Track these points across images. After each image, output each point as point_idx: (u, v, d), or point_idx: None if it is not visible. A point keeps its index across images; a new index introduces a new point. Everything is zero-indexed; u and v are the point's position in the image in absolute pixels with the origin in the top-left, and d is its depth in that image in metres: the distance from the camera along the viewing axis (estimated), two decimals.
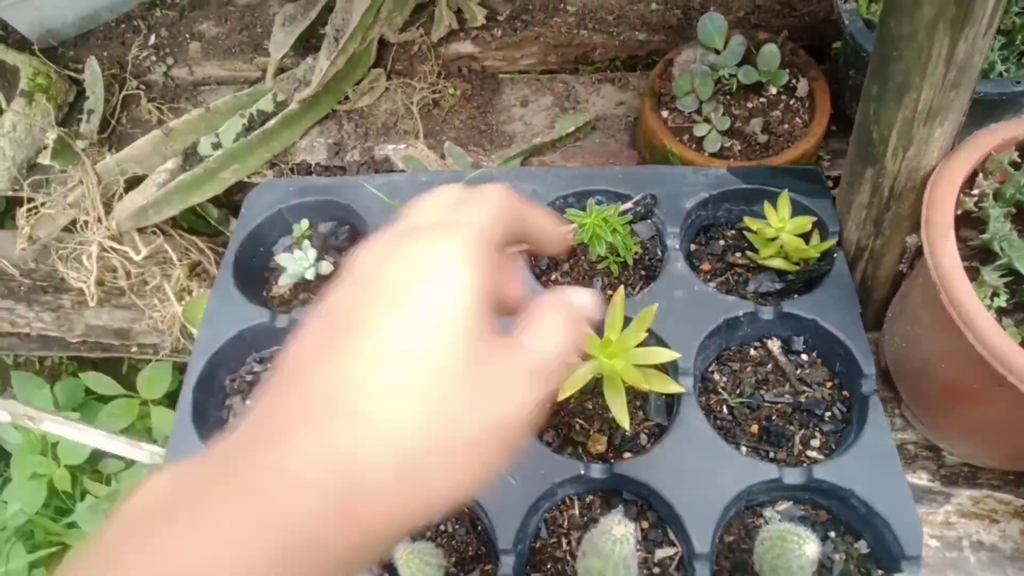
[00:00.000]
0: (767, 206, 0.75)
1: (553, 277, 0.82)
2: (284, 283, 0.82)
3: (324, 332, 0.35)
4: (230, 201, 1.30)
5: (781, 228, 0.74)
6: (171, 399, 1.43)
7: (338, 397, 0.32)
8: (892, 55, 0.61)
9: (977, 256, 0.67)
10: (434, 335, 0.33)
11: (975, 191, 0.67)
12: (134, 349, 1.26)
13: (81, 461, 1.31)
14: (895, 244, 0.74)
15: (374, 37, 1.17)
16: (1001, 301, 0.63)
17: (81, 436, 1.12)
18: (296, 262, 0.80)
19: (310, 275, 0.81)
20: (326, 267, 0.83)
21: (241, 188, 1.23)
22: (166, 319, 1.19)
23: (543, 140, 1.14)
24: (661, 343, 0.71)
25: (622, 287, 0.65)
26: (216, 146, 1.15)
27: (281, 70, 1.20)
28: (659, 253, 0.81)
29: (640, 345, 0.65)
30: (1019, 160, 0.67)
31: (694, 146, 1.01)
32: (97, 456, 1.31)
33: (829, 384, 0.72)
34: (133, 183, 1.16)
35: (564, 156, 1.15)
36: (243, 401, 0.76)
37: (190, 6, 1.33)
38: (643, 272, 0.80)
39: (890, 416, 0.78)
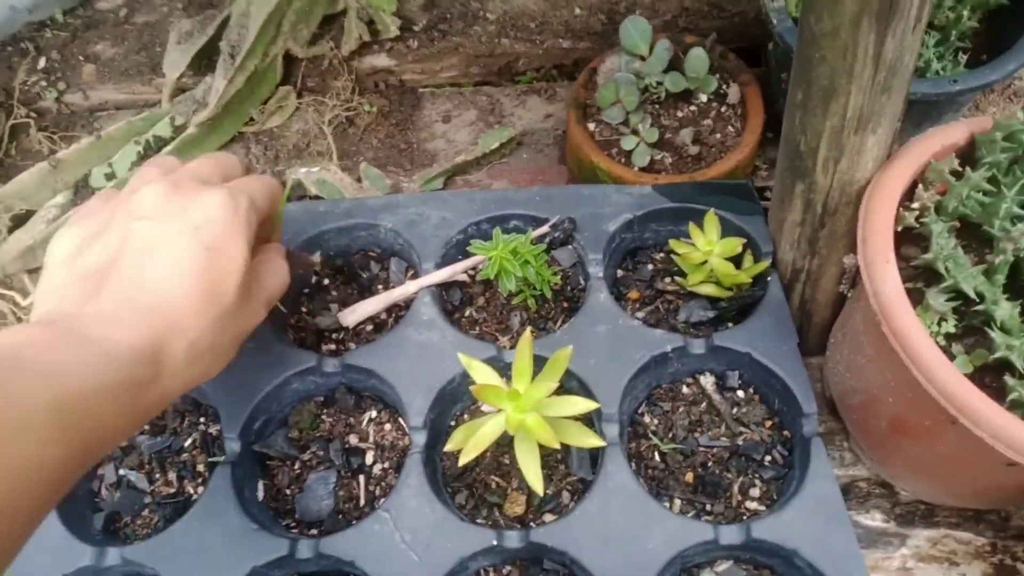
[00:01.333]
0: (692, 228, 0.68)
1: (467, 313, 0.74)
2: None
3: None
4: None
5: (709, 252, 0.67)
6: None
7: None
8: (815, 56, 0.55)
9: (921, 276, 0.61)
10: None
11: (915, 204, 0.61)
12: None
13: None
14: (833, 264, 0.68)
15: (278, 52, 1.08)
16: (949, 327, 0.57)
17: None
18: None
19: None
20: None
21: None
22: None
23: (466, 158, 1.06)
24: (583, 385, 0.63)
25: (528, 330, 0.57)
26: (110, 176, 1.05)
27: (181, 91, 1.11)
28: (581, 282, 0.73)
29: (558, 391, 0.57)
30: (960, 168, 0.61)
31: (623, 160, 0.94)
32: None
33: (768, 423, 0.65)
34: (20, 221, 1.06)
35: (490, 174, 1.08)
36: (116, 470, 0.67)
37: (83, 26, 1.22)
38: (565, 304, 0.73)
39: (839, 450, 0.72)
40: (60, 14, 1.23)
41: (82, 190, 1.06)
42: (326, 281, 0.78)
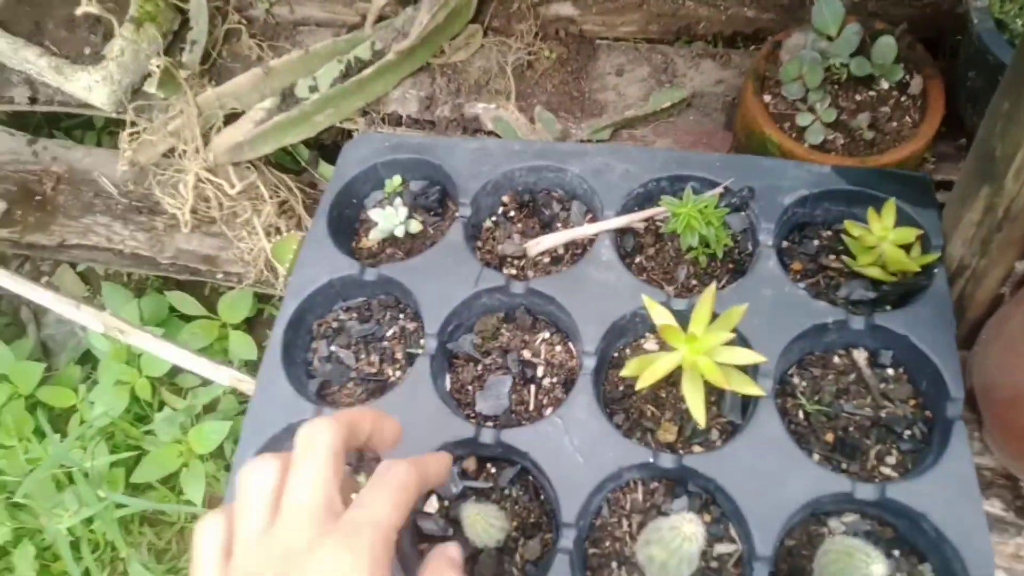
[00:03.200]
0: (871, 212, 0.73)
1: (637, 260, 0.81)
2: (374, 237, 0.84)
3: None
4: (321, 143, 1.32)
5: (883, 237, 0.71)
6: (249, 324, 1.49)
7: None
8: None
9: None
10: None
11: None
12: (219, 276, 1.31)
13: (162, 374, 1.39)
14: (1001, 266, 0.72)
15: None
16: None
17: (166, 353, 1.18)
18: (387, 218, 0.82)
19: (399, 232, 0.83)
20: (415, 226, 0.84)
21: (332, 131, 1.25)
22: (253, 252, 1.23)
23: (636, 113, 1.12)
24: (744, 341, 0.70)
25: (714, 283, 0.65)
26: (313, 89, 1.17)
27: (381, 18, 1.20)
28: (750, 248, 0.79)
29: (725, 343, 0.65)
30: None
31: (794, 135, 0.98)
32: (176, 370, 1.38)
33: (913, 402, 0.71)
34: (231, 118, 1.19)
35: (655, 131, 1.13)
36: (328, 345, 0.79)
37: None
38: (731, 266, 0.79)
39: (970, 439, 0.76)
40: None
41: (288, 97, 1.19)
42: (511, 213, 0.87)
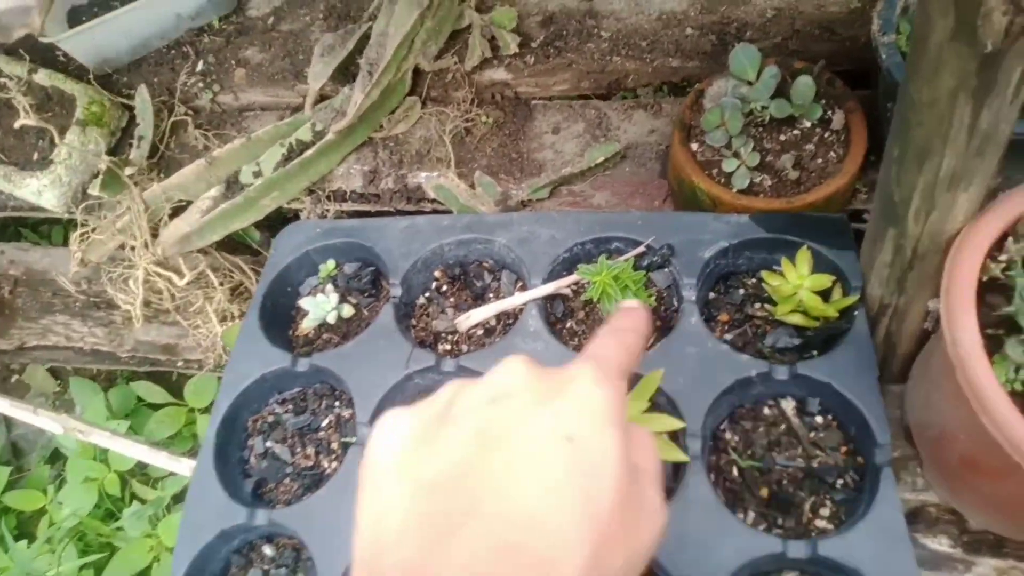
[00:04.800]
0: (785, 262, 0.73)
1: (568, 325, 0.82)
2: (308, 325, 0.84)
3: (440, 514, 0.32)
4: (270, 224, 1.34)
5: (799, 285, 0.72)
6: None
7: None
8: (913, 120, 0.59)
9: (1004, 324, 0.64)
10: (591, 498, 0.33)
11: (1002, 257, 0.64)
12: (180, 364, 1.31)
13: (131, 466, 1.38)
14: (919, 303, 0.72)
15: (408, 67, 1.18)
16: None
17: (126, 450, 1.18)
18: (318, 306, 0.83)
19: (331, 319, 0.83)
20: (347, 310, 0.85)
21: (280, 213, 1.27)
22: (209, 338, 1.24)
23: (572, 170, 1.14)
24: (671, 401, 0.70)
25: (661, 372, 0.65)
26: (257, 174, 1.19)
27: (322, 98, 1.23)
28: (675, 304, 0.80)
29: (649, 407, 0.65)
30: None
31: (722, 181, 0.99)
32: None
33: (844, 449, 0.70)
34: (178, 210, 1.21)
35: (593, 185, 1.15)
36: (263, 441, 0.79)
37: (236, 32, 1.37)
38: (659, 323, 0.80)
39: (912, 475, 0.76)
40: (216, 20, 1.38)
41: (233, 185, 1.21)
42: (444, 287, 0.87)
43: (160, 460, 1.14)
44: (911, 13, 0.99)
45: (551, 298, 0.82)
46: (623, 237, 0.82)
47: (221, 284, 1.21)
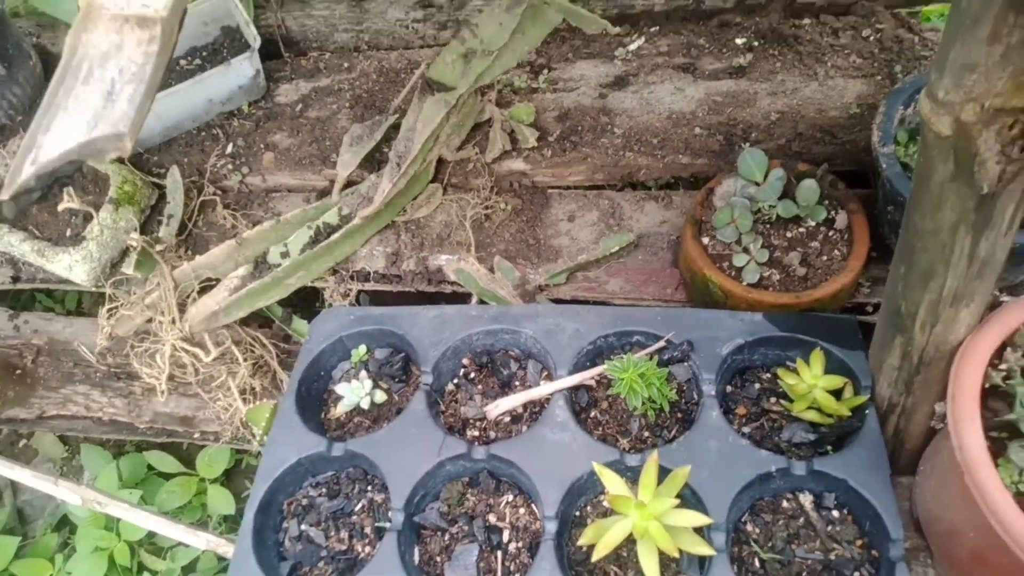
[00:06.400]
0: (800, 363, 0.78)
1: (592, 414, 0.86)
2: (341, 409, 0.88)
3: None
4: (292, 300, 1.38)
5: (814, 385, 0.77)
6: (227, 477, 1.50)
7: None
8: (917, 246, 0.65)
9: (1007, 428, 0.69)
10: None
11: (1003, 366, 0.69)
12: (196, 435, 1.33)
13: (141, 536, 1.38)
14: (926, 404, 0.77)
15: (433, 158, 1.25)
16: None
17: (143, 522, 1.19)
18: (352, 392, 0.86)
19: (365, 404, 0.87)
20: (380, 396, 0.88)
21: (303, 290, 1.32)
22: (229, 412, 1.27)
23: (588, 258, 1.19)
24: (695, 494, 0.74)
25: (656, 453, 0.69)
26: (284, 255, 1.24)
27: (348, 184, 1.29)
28: (695, 397, 0.84)
29: (677, 502, 0.68)
30: None
31: (733, 274, 1.05)
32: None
33: (859, 543, 0.74)
34: (206, 286, 1.26)
35: (608, 272, 1.20)
36: (298, 524, 0.82)
37: (265, 117, 1.44)
38: (679, 415, 0.84)
39: (923, 566, 0.79)
40: (246, 105, 1.45)
41: (261, 264, 1.26)
42: (472, 375, 0.92)
43: (178, 533, 1.15)
44: (907, 124, 1.08)
45: (576, 388, 0.86)
46: (643, 331, 0.87)
47: (244, 360, 1.24)
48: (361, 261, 1.27)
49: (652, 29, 1.39)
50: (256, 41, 1.34)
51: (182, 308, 1.23)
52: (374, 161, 1.31)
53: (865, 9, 1.31)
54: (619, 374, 0.76)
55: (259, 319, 1.35)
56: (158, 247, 1.25)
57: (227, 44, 1.41)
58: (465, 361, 0.91)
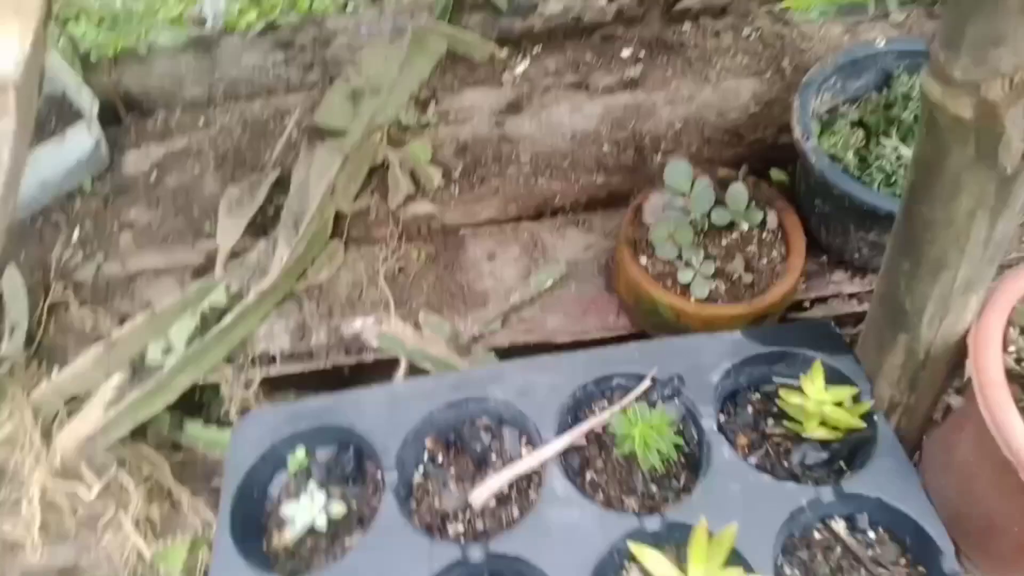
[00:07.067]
0: (804, 380, 0.73)
1: (588, 477, 0.76)
2: (291, 535, 0.72)
3: None
4: (183, 402, 1.18)
5: (822, 401, 0.71)
6: None
7: None
8: (926, 238, 0.61)
9: None
10: None
11: (1011, 348, 0.67)
12: None
13: None
14: (929, 398, 0.73)
15: (331, 214, 1.10)
16: None
17: None
18: (304, 510, 0.71)
19: (321, 522, 0.72)
20: (338, 508, 0.74)
21: (195, 389, 1.12)
22: (123, 553, 1.04)
23: (521, 298, 1.10)
24: (733, 550, 0.66)
25: (703, 522, 0.60)
26: (167, 351, 1.04)
27: (233, 254, 1.12)
28: (694, 434, 0.77)
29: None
30: None
31: (679, 291, 0.99)
32: None
33: (904, 560, 0.69)
34: (76, 404, 1.03)
35: (544, 309, 1.11)
36: None
37: (114, 193, 1.23)
38: (683, 460, 0.76)
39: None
40: (89, 182, 1.23)
41: (139, 368, 1.05)
42: (439, 458, 0.79)
43: None
44: (821, 116, 1.08)
45: (565, 451, 0.76)
46: (624, 373, 0.79)
47: (136, 487, 1.03)
48: (261, 343, 1.10)
49: (536, 50, 1.33)
50: (93, 106, 1.14)
51: (48, 437, 1.00)
52: (258, 225, 1.15)
53: (741, 9, 1.32)
54: (627, 430, 0.67)
55: (148, 432, 1.13)
56: (3, 368, 1.01)
57: (55, 114, 1.19)
58: (429, 443, 0.79)
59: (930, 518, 0.68)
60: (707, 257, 1.02)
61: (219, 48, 1.32)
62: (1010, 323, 0.69)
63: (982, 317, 0.67)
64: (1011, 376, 0.66)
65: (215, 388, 1.11)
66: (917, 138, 0.58)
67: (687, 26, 1.33)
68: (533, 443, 0.77)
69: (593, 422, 0.76)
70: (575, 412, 0.79)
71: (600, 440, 0.78)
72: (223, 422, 1.10)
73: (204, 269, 1.15)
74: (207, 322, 1.06)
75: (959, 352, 0.68)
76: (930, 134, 0.56)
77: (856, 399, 0.75)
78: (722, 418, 0.80)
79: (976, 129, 0.51)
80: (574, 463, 0.76)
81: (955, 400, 0.70)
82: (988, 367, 0.64)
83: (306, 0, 1.37)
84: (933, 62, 0.53)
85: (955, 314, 0.65)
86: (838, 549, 0.70)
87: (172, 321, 1.06)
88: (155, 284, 1.17)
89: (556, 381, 0.78)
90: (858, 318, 1.11)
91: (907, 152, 0.99)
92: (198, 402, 1.20)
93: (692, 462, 0.76)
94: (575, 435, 0.75)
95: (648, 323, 1.05)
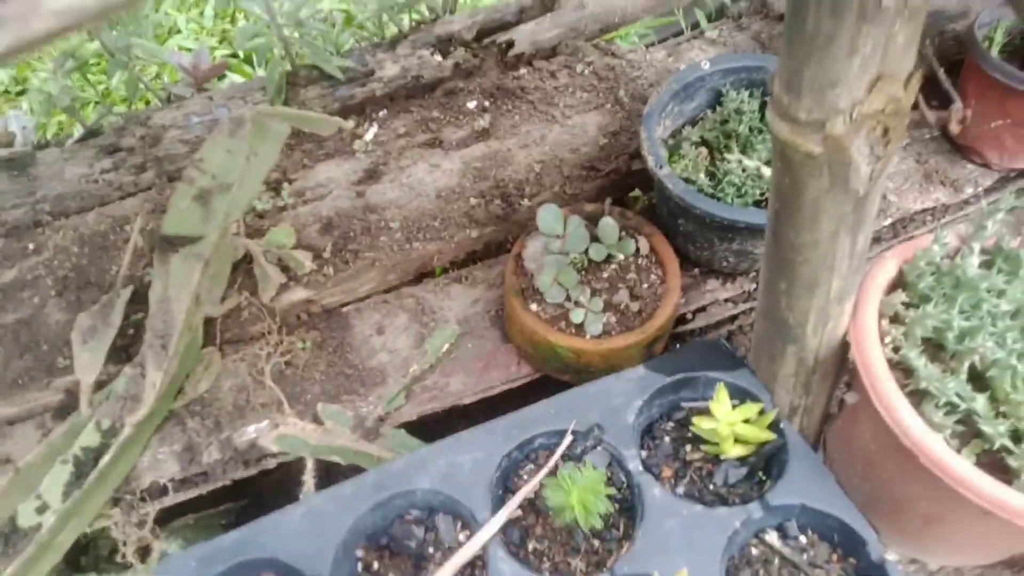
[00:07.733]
0: (713, 405, 0.76)
1: (531, 547, 0.75)
2: None
3: None
4: (68, 560, 1.05)
5: (734, 422, 0.74)
6: None
7: None
8: (798, 260, 0.65)
9: (913, 396, 0.72)
10: None
11: (887, 340, 0.73)
12: None
13: None
14: (825, 397, 0.79)
15: (199, 323, 1.03)
16: (946, 435, 0.68)
17: None
18: None
19: None
20: None
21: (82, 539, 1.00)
22: None
23: (420, 367, 1.08)
24: None
25: (685, 572, 0.61)
26: (42, 509, 0.93)
27: (98, 386, 1.02)
28: (622, 478, 0.78)
29: None
30: (907, 299, 0.74)
31: (574, 331, 1.01)
32: None
33: (835, 557, 0.73)
34: None
35: (445, 373, 1.10)
36: None
37: None
38: (617, 506, 0.77)
39: None
40: None
41: (12, 535, 0.93)
42: (375, 566, 0.75)
43: None
44: (667, 141, 1.13)
45: (503, 527, 0.75)
46: (543, 432, 0.79)
47: None
48: (147, 474, 1.00)
49: (381, 114, 1.32)
50: None
51: None
52: (120, 349, 1.05)
53: (569, 48, 1.37)
54: (563, 500, 0.66)
55: None
56: None
57: None
58: (360, 554, 0.75)
59: (850, 512, 0.72)
60: (594, 294, 1.04)
61: (36, 165, 1.20)
62: (881, 316, 0.75)
63: (855, 318, 0.73)
64: (893, 365, 0.73)
65: (106, 534, 1.00)
66: (773, 171, 0.62)
67: (523, 71, 1.36)
68: (469, 526, 0.75)
69: (525, 490, 0.75)
70: (504, 483, 0.78)
71: (534, 505, 0.78)
72: (122, 565, 0.99)
73: (67, 408, 1.04)
74: (82, 467, 0.96)
75: (844, 350, 0.74)
76: (785, 168, 0.60)
77: (761, 412, 0.80)
78: (644, 454, 0.82)
79: (828, 162, 0.56)
80: (514, 537, 0.75)
81: (849, 396, 0.75)
82: (871, 364, 0.69)
83: (122, 98, 1.28)
84: (777, 104, 0.57)
85: (834, 320, 0.71)
86: (776, 560, 0.73)
87: (41, 474, 0.95)
88: (12, 435, 1.05)
89: (478, 456, 0.77)
90: (734, 318, 1.19)
91: (750, 163, 1.07)
92: (88, 551, 1.08)
93: (626, 506, 0.77)
94: (510, 509, 0.74)
95: (550, 367, 1.06)
